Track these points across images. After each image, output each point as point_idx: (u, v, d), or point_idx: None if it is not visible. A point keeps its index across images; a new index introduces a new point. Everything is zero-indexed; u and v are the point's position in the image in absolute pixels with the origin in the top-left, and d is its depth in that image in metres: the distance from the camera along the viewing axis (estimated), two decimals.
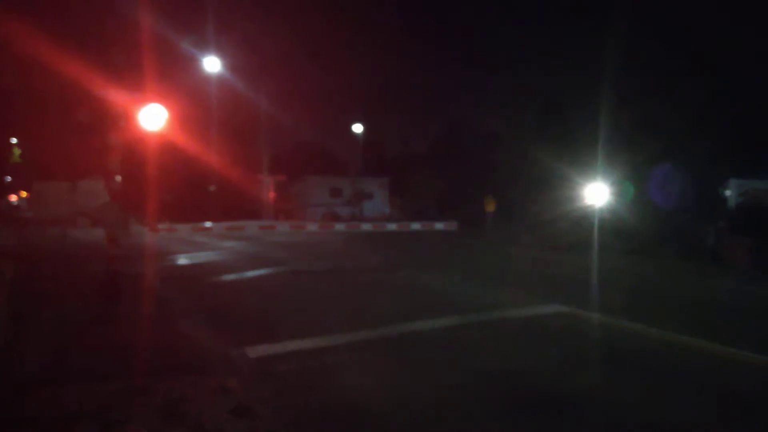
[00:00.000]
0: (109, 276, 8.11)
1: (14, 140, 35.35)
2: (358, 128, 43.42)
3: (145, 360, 5.36)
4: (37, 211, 31.39)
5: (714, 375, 5.31)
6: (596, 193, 18.75)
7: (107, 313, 7.43)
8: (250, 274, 11.94)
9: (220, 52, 31.87)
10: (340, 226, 30.05)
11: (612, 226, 17.59)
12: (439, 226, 29.10)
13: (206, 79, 31.59)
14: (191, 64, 30.27)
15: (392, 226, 30.15)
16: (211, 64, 30.50)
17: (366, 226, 30.10)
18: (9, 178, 37.40)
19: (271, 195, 38.30)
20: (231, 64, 33.06)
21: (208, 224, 27.60)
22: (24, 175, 35.16)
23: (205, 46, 30.76)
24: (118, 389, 4.50)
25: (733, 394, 4.81)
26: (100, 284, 8.45)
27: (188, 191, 34.68)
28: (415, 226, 29.54)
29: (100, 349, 5.77)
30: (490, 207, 25.85)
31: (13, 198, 39.54)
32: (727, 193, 18.73)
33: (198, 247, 18.54)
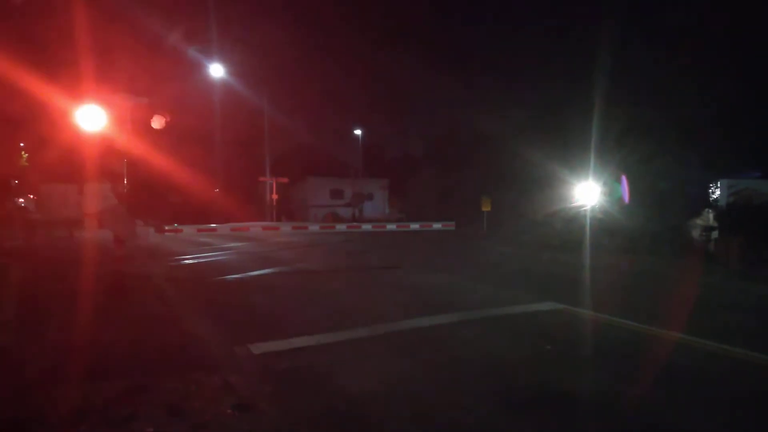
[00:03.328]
0: (116, 276, 8.25)
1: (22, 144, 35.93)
2: (358, 131, 44.00)
3: (150, 358, 5.42)
4: (44, 212, 31.97)
5: (703, 370, 5.41)
6: (589, 193, 19.17)
7: (113, 312, 7.45)
8: (254, 273, 12.31)
9: (226, 58, 32.56)
10: (341, 227, 30.58)
11: (604, 225, 17.99)
12: (437, 226, 29.60)
13: (210, 84, 32.14)
14: (197, 70, 30.78)
15: (392, 227, 30.70)
16: (215, 70, 31.02)
17: (366, 227, 30.59)
18: (16, 181, 37.93)
19: (274, 197, 38.86)
20: (235, 69, 33.62)
21: (212, 225, 28.15)
22: (31, 177, 35.68)
23: (209, 52, 31.29)
24: (123, 387, 4.53)
25: (723, 386, 4.99)
26: (107, 284, 8.60)
27: (194, 193, 35.26)
28: (414, 226, 30.05)
29: (106, 348, 5.80)
30: (487, 207, 26.34)
31: (21, 200, 40.07)
32: (718, 192, 19.11)
33: (203, 248, 18.99)
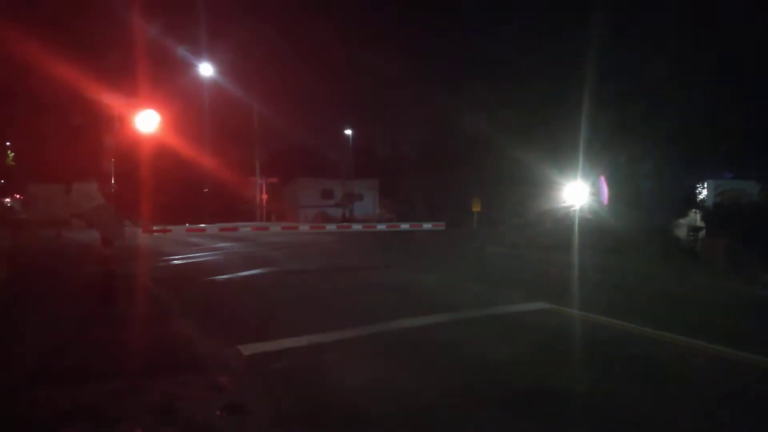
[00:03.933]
0: (104, 277, 8.08)
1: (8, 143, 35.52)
2: (348, 131, 44.02)
3: (139, 359, 5.37)
4: (31, 212, 31.67)
5: (691, 368, 5.47)
6: (578, 194, 19.31)
7: (101, 313, 7.43)
8: (244, 273, 12.28)
9: (214, 57, 32.41)
10: (331, 227, 30.47)
11: (593, 225, 18.13)
12: (427, 226, 29.59)
13: (200, 83, 32.04)
14: (186, 69, 30.66)
15: (382, 227, 30.62)
16: (205, 69, 30.94)
17: (356, 227, 30.52)
18: (2, 181, 37.53)
19: (264, 197, 38.75)
20: (225, 69, 33.54)
21: (201, 225, 27.97)
22: (18, 177, 35.29)
23: (199, 52, 31.21)
24: (111, 388, 4.50)
25: (709, 385, 5.05)
26: (95, 285, 8.47)
27: (182, 193, 35.06)
28: (404, 226, 30.00)
29: (94, 349, 5.78)
30: (477, 208, 26.41)
31: (7, 200, 39.64)
32: (704, 193, 19.31)
33: (192, 248, 18.88)
